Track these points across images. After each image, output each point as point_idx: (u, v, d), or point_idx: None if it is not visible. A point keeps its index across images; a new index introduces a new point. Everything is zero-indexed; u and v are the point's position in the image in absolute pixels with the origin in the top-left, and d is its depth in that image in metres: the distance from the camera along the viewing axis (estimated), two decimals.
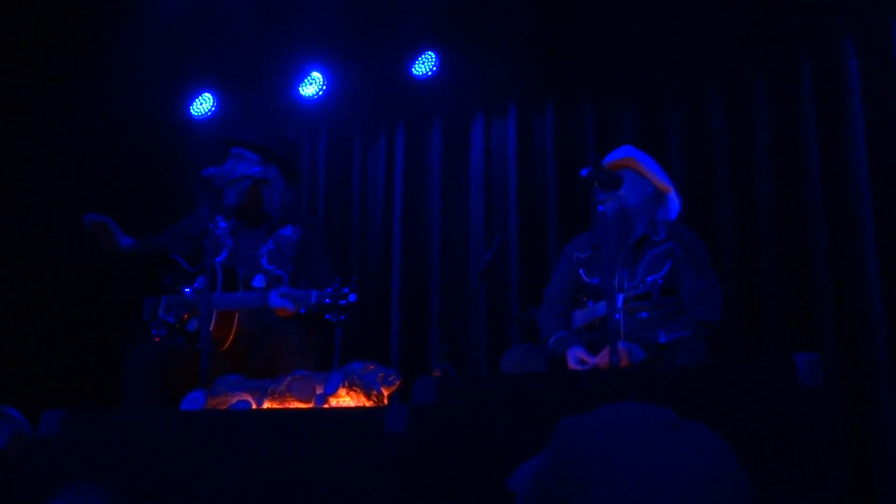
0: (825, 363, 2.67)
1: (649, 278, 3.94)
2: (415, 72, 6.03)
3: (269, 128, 5.91)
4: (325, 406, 3.37)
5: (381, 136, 6.34)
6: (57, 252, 5.26)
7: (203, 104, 6.37)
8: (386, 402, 3.45)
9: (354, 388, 3.40)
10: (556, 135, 5.89)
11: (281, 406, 3.43)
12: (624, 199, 4.07)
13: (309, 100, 6.24)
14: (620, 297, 3.85)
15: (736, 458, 1.10)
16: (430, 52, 6.00)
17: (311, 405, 3.39)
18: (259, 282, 4.23)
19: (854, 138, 5.13)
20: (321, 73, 6.18)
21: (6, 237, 4.89)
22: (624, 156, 4.15)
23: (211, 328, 3.99)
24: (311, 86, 6.21)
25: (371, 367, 3.52)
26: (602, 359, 3.77)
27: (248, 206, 4.38)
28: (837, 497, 2.39)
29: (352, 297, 3.60)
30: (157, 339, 4.12)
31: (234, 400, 3.51)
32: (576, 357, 3.88)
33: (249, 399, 3.50)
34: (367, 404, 3.39)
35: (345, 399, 3.39)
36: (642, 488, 1.04)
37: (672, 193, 4.17)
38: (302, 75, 6.21)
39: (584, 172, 3.76)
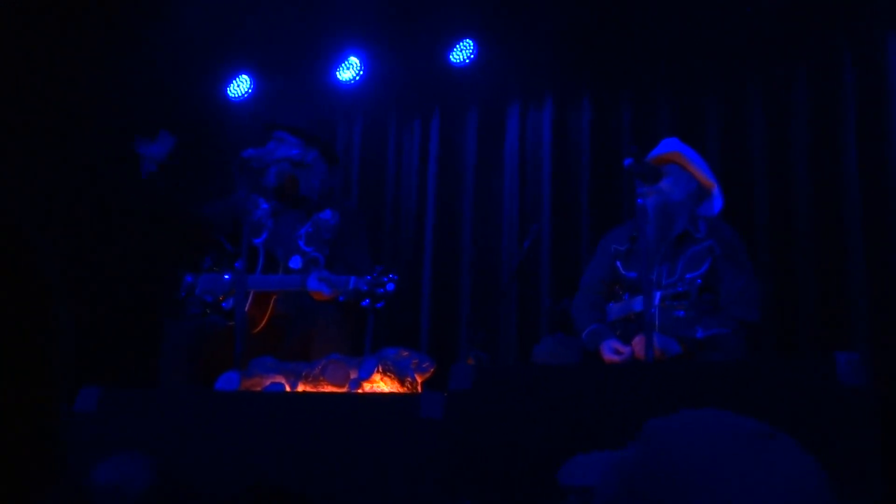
0: (865, 362, 2.65)
1: (688, 275, 3.92)
2: (452, 59, 6.01)
3: (310, 111, 5.92)
4: (359, 391, 3.38)
5: (416, 123, 6.34)
6: (95, 229, 5.30)
7: (240, 86, 6.38)
8: (419, 388, 3.46)
9: (388, 373, 3.41)
10: (591, 126, 5.86)
11: (314, 390, 3.44)
12: (667, 193, 4.04)
13: (346, 84, 6.23)
14: (657, 294, 3.82)
15: (826, 477, 1.10)
16: (468, 40, 5.98)
17: (344, 390, 3.40)
18: (296, 263, 4.25)
19: (893, 134, 5.08)
20: (359, 57, 6.17)
21: (46, 214, 4.92)
22: (669, 150, 4.12)
23: (247, 309, 4.01)
24: (349, 70, 6.20)
25: (405, 354, 3.53)
26: (637, 346, 3.76)
27: (288, 188, 4.41)
28: (878, 496, 2.38)
29: (389, 287, 3.60)
30: (191, 317, 4.15)
31: (268, 382, 3.52)
32: (611, 348, 3.87)
33: (283, 382, 3.52)
34: (401, 390, 3.40)
35: (379, 385, 3.40)
36: (742, 499, 1.03)
37: (716, 189, 4.14)
38: (339, 59, 6.20)
39: (626, 163, 3.74)
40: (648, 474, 1.10)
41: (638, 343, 3.76)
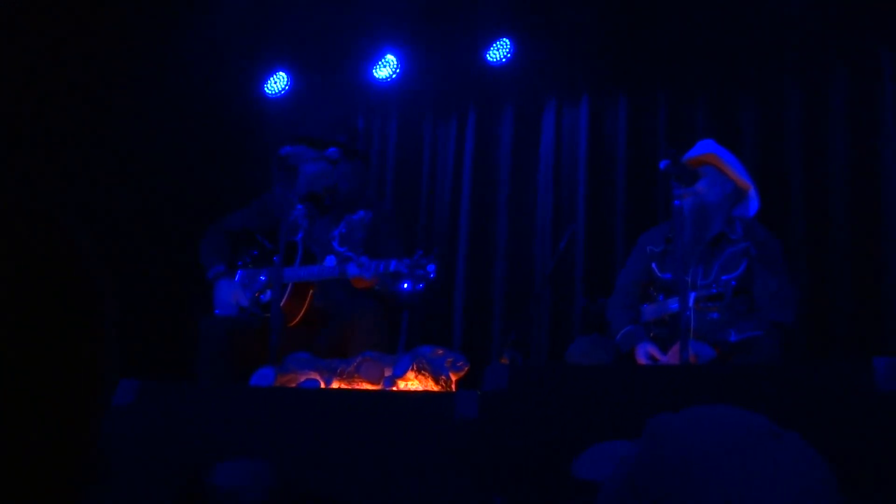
0: None
1: (723, 277, 3.91)
2: (489, 58, 6.01)
3: (334, 113, 5.94)
4: (393, 389, 3.39)
5: (452, 121, 6.34)
6: (133, 225, 5.34)
7: (277, 83, 6.41)
8: (454, 387, 3.46)
9: (423, 371, 3.42)
10: (627, 125, 5.85)
11: (349, 386, 3.46)
12: (703, 195, 4.02)
13: (382, 82, 6.25)
14: (692, 295, 3.81)
15: (833, 476, 1.09)
16: (505, 39, 5.98)
17: (379, 387, 3.41)
18: (331, 262, 4.27)
19: None
20: (395, 55, 6.19)
21: (85, 210, 4.96)
22: (706, 151, 4.11)
23: (284, 302, 4.04)
24: (385, 68, 6.21)
25: (440, 352, 3.54)
26: (672, 358, 3.75)
27: (319, 191, 4.41)
28: None
29: (430, 268, 3.61)
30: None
31: (303, 378, 3.54)
32: (646, 353, 3.87)
33: (318, 378, 3.53)
34: (435, 389, 3.41)
35: (413, 382, 3.41)
36: (746, 498, 1.03)
37: (752, 191, 4.12)
38: (376, 57, 6.21)
39: (662, 165, 3.74)
40: (651, 471, 1.09)
41: (673, 355, 3.75)
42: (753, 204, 4.16)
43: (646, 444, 1.14)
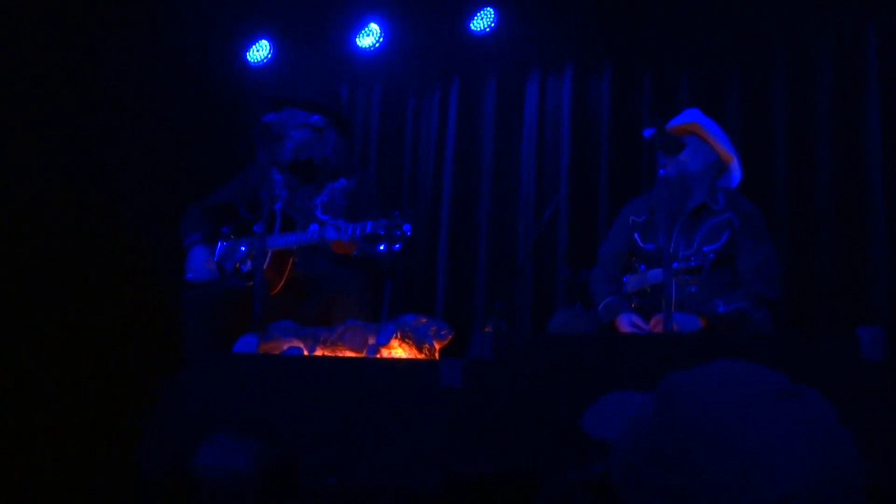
0: (888, 337, 2.64)
1: (705, 248, 3.90)
2: (473, 27, 5.97)
3: (318, 81, 5.90)
4: (377, 356, 3.38)
5: (435, 90, 6.31)
6: (114, 192, 5.29)
7: (260, 51, 6.35)
8: (437, 355, 3.46)
9: (407, 340, 3.41)
10: (612, 95, 5.83)
11: (333, 354, 3.45)
12: (685, 164, 4.01)
13: (365, 51, 6.20)
14: (673, 266, 3.80)
15: (851, 433, 1.07)
16: (489, 8, 5.94)
17: (362, 355, 3.41)
18: (313, 228, 4.25)
19: None
20: (379, 24, 6.14)
21: (66, 179, 4.91)
22: (689, 121, 4.09)
23: (264, 269, 4.02)
24: (369, 37, 6.16)
25: (424, 321, 3.53)
26: (656, 325, 3.75)
27: (304, 161, 4.38)
28: None
29: (406, 227, 3.59)
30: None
31: (286, 346, 3.53)
32: (630, 321, 3.86)
33: (301, 346, 3.52)
34: (419, 357, 3.40)
35: (396, 351, 3.41)
36: (765, 459, 1.01)
37: (735, 162, 4.11)
38: (360, 26, 6.17)
39: (646, 134, 3.72)
40: (668, 429, 1.08)
41: (657, 322, 3.75)
42: (736, 175, 4.14)
43: (661, 401, 1.12)
